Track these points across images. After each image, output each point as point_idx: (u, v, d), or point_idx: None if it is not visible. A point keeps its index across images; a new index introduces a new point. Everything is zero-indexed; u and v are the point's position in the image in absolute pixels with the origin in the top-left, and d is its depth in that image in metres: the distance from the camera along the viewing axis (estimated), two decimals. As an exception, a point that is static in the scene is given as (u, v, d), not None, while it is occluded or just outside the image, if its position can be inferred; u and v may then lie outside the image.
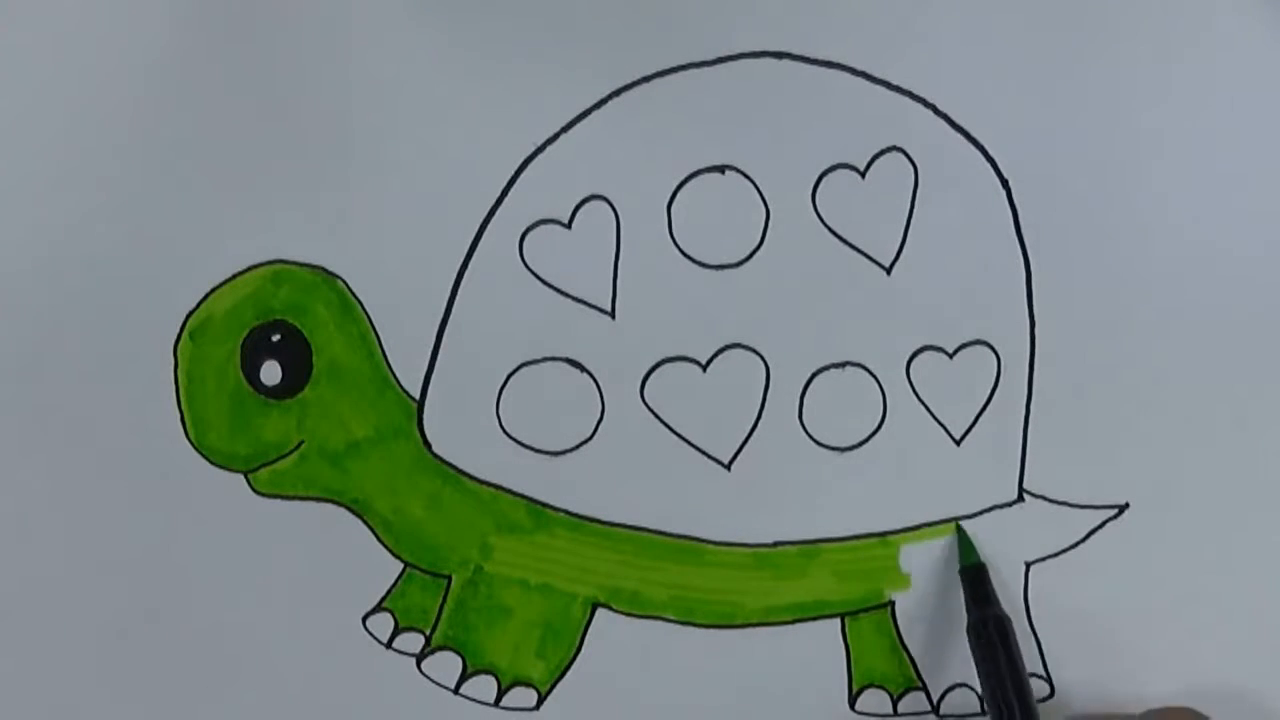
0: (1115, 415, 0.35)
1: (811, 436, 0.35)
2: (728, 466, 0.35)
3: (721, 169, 0.35)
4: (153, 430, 0.34)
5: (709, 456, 0.35)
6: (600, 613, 0.35)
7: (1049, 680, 0.35)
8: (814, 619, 0.35)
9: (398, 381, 0.35)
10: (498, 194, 0.35)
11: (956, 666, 0.35)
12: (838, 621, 0.35)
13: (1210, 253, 0.35)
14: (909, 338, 0.35)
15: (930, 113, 0.35)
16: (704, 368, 0.35)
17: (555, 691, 0.35)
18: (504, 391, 0.35)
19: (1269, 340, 0.35)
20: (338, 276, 0.35)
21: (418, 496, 0.35)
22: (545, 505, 0.35)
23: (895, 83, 0.35)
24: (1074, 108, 0.35)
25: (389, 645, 0.35)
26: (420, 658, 0.35)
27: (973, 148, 0.35)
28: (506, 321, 0.35)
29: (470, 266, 0.35)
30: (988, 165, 0.35)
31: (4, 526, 0.34)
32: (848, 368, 0.35)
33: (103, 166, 0.34)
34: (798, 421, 0.35)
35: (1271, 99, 0.35)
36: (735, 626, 0.35)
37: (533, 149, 0.35)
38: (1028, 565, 0.35)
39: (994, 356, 0.35)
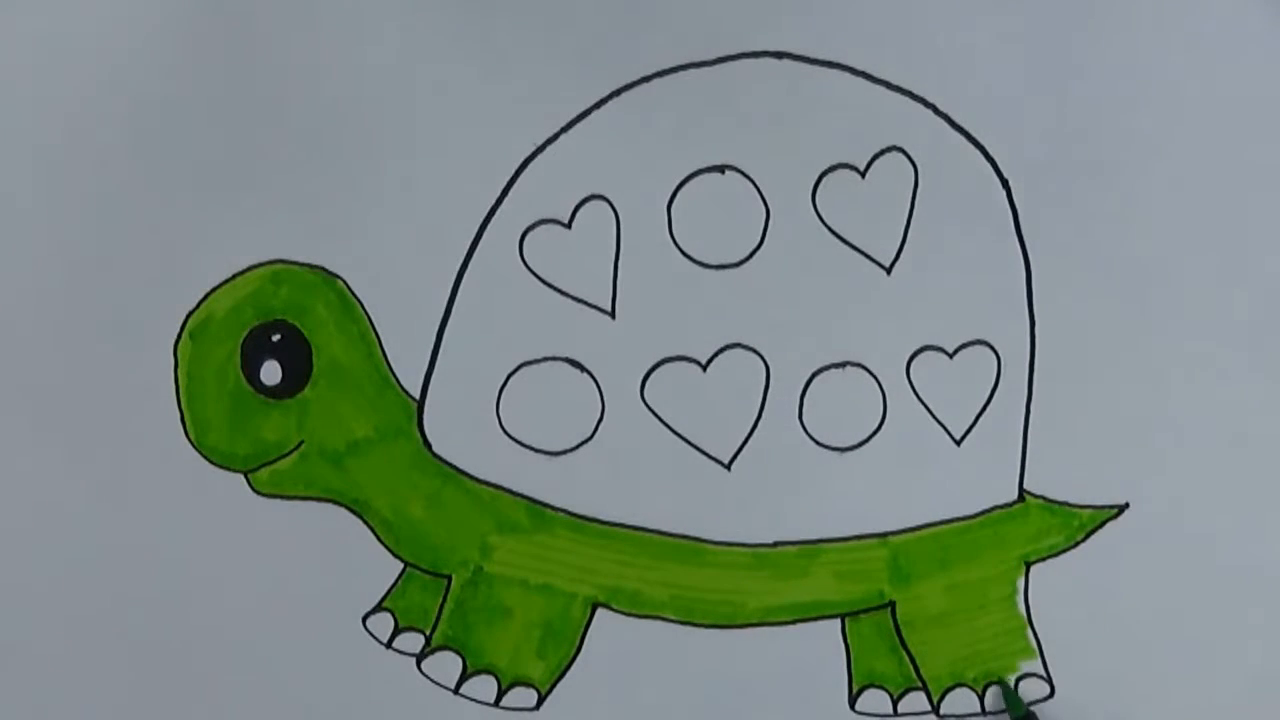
0: (1115, 415, 0.35)
1: (811, 436, 0.35)
2: (728, 466, 0.35)
3: (721, 169, 0.35)
4: (153, 430, 0.34)
5: (709, 456, 0.35)
6: (600, 613, 0.35)
7: (1049, 680, 0.35)
8: (814, 619, 0.35)
9: (398, 381, 0.35)
10: (498, 194, 0.35)
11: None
12: (838, 621, 0.35)
13: (1210, 252, 0.35)
14: (909, 338, 0.35)
15: (930, 113, 0.35)
16: (704, 368, 0.35)
17: (555, 691, 0.35)
18: (504, 391, 0.35)
19: (1269, 339, 0.35)
20: (338, 276, 0.35)
21: (418, 496, 0.35)
22: (545, 505, 0.35)
23: (895, 83, 0.35)
24: (1074, 107, 0.35)
25: (389, 645, 0.35)
26: (420, 658, 0.35)
27: (973, 148, 0.35)
28: (506, 321, 0.35)
29: (470, 266, 0.35)
30: (988, 165, 0.35)
31: (4, 526, 0.34)
32: (848, 368, 0.35)
33: (103, 166, 0.34)
34: (798, 421, 0.35)
35: (1272, 97, 0.35)
36: (735, 626, 0.35)
37: (533, 149, 0.35)
38: (1028, 565, 0.35)
39: (994, 356, 0.35)
